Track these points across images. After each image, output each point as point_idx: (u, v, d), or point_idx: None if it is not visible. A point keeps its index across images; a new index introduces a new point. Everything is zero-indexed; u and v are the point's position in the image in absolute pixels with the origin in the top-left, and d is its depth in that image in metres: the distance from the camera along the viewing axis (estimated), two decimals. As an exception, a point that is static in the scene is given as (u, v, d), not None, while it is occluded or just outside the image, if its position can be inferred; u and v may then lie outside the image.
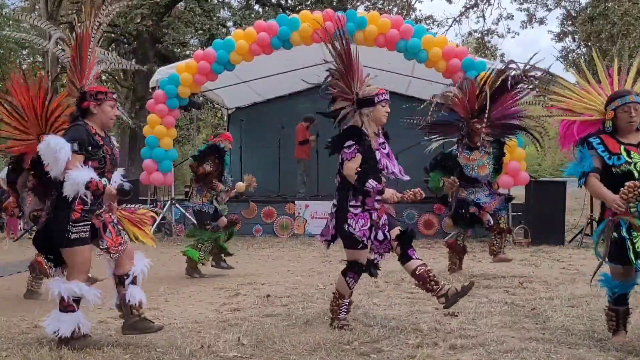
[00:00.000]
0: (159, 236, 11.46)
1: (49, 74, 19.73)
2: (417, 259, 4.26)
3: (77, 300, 3.84)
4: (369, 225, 4.23)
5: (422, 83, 11.71)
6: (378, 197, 4.24)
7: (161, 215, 11.64)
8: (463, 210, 6.53)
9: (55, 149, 3.67)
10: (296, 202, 11.78)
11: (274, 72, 12.35)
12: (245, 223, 11.64)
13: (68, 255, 3.81)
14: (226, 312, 4.97)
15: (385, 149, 4.35)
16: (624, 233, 3.67)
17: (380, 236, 4.27)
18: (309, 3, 18.87)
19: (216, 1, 20.04)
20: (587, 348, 3.71)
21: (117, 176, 4.09)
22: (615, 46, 17.17)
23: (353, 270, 4.33)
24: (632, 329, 4.11)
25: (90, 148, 3.79)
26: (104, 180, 3.85)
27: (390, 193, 4.23)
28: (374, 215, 4.27)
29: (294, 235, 11.35)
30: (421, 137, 6.95)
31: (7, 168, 12.97)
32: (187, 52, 19.69)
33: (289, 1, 20.04)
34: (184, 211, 11.05)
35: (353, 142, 4.21)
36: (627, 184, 3.63)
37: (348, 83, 4.34)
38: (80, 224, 3.76)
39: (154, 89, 11.61)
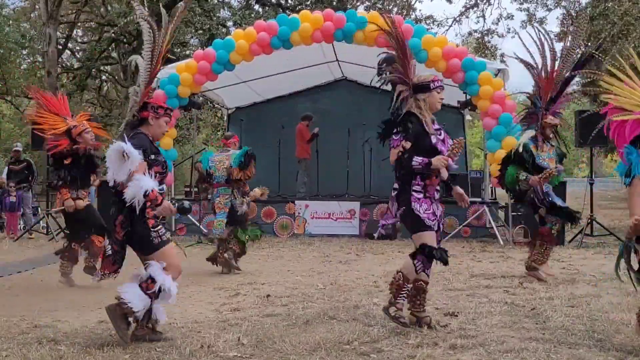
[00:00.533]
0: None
1: (50, 74, 19.77)
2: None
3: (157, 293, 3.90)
4: (431, 210, 4.25)
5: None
6: (429, 169, 4.19)
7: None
8: (544, 201, 6.45)
9: (126, 155, 3.79)
10: (296, 202, 11.78)
11: (274, 72, 12.35)
12: (245, 223, 11.65)
13: (160, 258, 3.94)
14: (226, 312, 4.97)
15: (440, 135, 4.34)
16: None
17: (438, 227, 4.32)
18: (309, 3, 18.88)
19: (216, 1, 20.05)
20: (587, 348, 3.71)
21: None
22: (615, 46, 17.17)
23: (422, 253, 4.22)
24: (632, 329, 4.11)
25: (152, 156, 3.97)
26: (162, 187, 4.05)
27: (437, 159, 4.18)
28: (434, 205, 4.29)
29: (294, 235, 11.36)
30: None
31: (7, 168, 12.90)
32: (187, 52, 19.70)
33: (289, 1, 20.06)
34: None
35: (401, 129, 4.26)
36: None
37: (405, 69, 4.37)
38: (157, 228, 3.97)
39: (154, 89, 11.59)
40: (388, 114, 4.43)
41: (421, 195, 4.25)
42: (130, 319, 3.90)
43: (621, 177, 3.73)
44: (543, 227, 6.57)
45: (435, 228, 4.28)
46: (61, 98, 6.64)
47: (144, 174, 3.85)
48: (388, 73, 4.41)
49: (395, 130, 4.29)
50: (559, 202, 6.55)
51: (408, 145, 4.21)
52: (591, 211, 10.90)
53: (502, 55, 25.65)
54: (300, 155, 12.75)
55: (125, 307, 3.83)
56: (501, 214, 11.93)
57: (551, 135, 6.50)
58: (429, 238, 4.22)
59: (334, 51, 12.41)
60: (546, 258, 6.51)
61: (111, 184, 3.94)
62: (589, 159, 12.09)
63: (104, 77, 27.99)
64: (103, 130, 6.94)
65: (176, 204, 4.10)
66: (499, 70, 11.04)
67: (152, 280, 3.87)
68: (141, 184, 3.79)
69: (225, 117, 15.78)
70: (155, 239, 3.92)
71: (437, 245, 4.26)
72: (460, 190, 4.42)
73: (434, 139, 4.28)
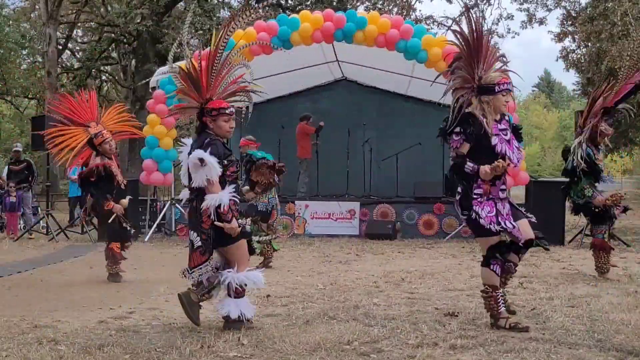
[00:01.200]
0: (159, 236, 11.47)
1: (50, 74, 19.78)
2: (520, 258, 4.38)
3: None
4: (494, 212, 4.19)
5: (422, 83, 11.73)
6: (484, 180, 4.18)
7: (161, 215, 11.65)
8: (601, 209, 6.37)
9: (207, 165, 4.09)
10: (296, 202, 11.78)
11: (274, 72, 12.36)
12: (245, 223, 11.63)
13: (233, 251, 4.27)
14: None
15: (506, 135, 4.29)
16: None
17: (509, 226, 4.21)
18: (309, 3, 18.88)
19: (216, 1, 20.05)
20: (587, 348, 3.71)
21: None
22: (615, 46, 17.17)
23: (493, 257, 4.22)
24: (632, 329, 4.11)
25: (224, 161, 4.19)
26: (232, 187, 4.23)
27: (483, 171, 4.13)
28: (499, 205, 4.24)
29: (294, 235, 11.36)
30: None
31: (7, 168, 12.91)
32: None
33: (289, 1, 20.05)
34: (183, 211, 11.04)
35: (460, 130, 4.22)
36: None
37: (471, 68, 4.33)
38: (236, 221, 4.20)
39: (154, 89, 11.61)
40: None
41: (483, 199, 4.21)
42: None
43: None
44: (595, 238, 6.59)
45: (506, 227, 4.18)
46: (90, 97, 6.72)
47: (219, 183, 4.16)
48: (455, 73, 4.39)
49: (455, 131, 4.23)
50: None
51: (464, 148, 4.21)
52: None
53: (502, 55, 25.64)
54: (302, 155, 12.75)
55: (239, 318, 4.21)
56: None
57: (602, 144, 6.42)
58: (493, 242, 4.21)
59: (334, 51, 12.41)
60: (607, 265, 6.50)
61: (193, 185, 4.22)
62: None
63: (104, 77, 28.01)
64: (134, 121, 7.18)
65: (240, 227, 4.26)
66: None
67: (236, 287, 4.23)
68: (216, 199, 4.09)
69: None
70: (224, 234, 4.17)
71: (519, 238, 4.21)
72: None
73: (495, 140, 4.21)
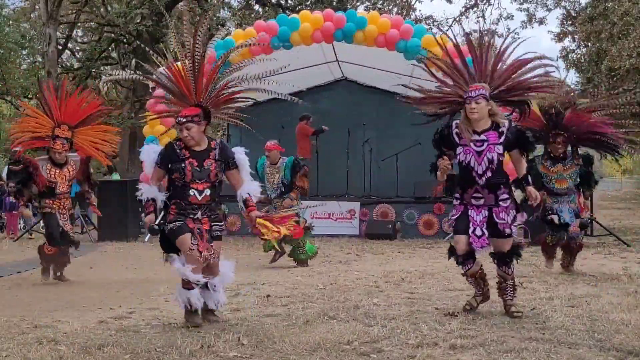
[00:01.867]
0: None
1: (50, 74, 19.75)
2: (504, 272, 4.63)
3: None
4: (458, 215, 4.52)
5: (422, 83, 11.71)
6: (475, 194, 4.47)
7: (161, 215, 11.63)
8: (547, 216, 6.64)
9: (146, 157, 4.59)
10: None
11: (273, 72, 12.35)
12: (245, 223, 11.63)
13: (179, 246, 4.41)
14: (226, 312, 4.97)
15: (480, 146, 4.41)
16: None
17: (479, 232, 4.45)
18: (309, 3, 18.86)
19: (216, 1, 20.05)
20: (587, 348, 3.71)
21: (247, 188, 4.65)
22: (615, 46, 17.16)
23: (450, 257, 4.69)
24: (632, 329, 4.11)
25: (170, 164, 4.41)
26: (191, 191, 4.39)
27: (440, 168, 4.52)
28: (471, 211, 4.46)
29: (294, 236, 11.33)
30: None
31: (7, 168, 12.98)
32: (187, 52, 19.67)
33: (289, 1, 20.04)
34: None
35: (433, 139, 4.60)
36: None
37: (457, 81, 4.61)
38: (174, 221, 4.40)
39: (153, 89, 11.60)
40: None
41: (457, 202, 4.59)
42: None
43: None
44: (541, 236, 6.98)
45: (468, 231, 4.46)
46: (83, 101, 6.81)
47: (157, 180, 4.50)
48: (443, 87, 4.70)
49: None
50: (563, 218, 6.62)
51: (445, 157, 4.49)
52: (591, 211, 10.89)
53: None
54: (302, 155, 12.73)
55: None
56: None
57: (563, 155, 6.52)
58: (456, 240, 4.56)
59: (334, 51, 12.41)
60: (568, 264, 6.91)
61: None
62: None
63: (103, 78, 27.97)
64: (113, 146, 7.19)
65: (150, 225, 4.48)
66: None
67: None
68: (143, 192, 4.49)
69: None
70: (167, 229, 4.42)
71: (468, 249, 4.51)
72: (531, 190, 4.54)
73: (459, 150, 4.44)
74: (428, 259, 8.32)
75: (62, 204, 6.73)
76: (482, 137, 4.42)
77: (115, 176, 16.59)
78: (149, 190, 4.47)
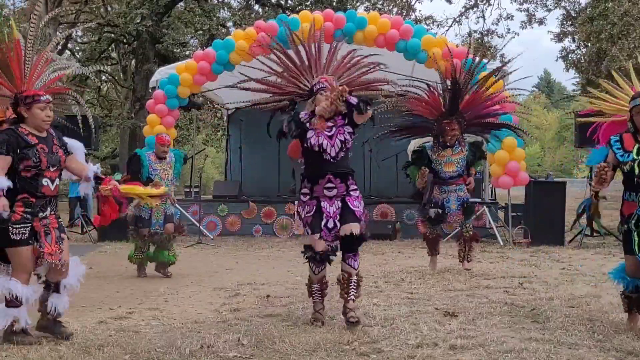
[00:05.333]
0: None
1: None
2: (350, 266, 4.40)
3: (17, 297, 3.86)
4: (313, 211, 4.40)
5: (422, 84, 11.71)
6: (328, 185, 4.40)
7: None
8: (426, 208, 6.82)
9: None
10: (296, 202, 11.75)
11: (273, 72, 12.34)
12: (245, 223, 11.65)
13: (11, 255, 3.90)
14: (226, 312, 4.97)
15: (330, 131, 4.43)
16: (632, 226, 4.03)
17: (330, 224, 4.39)
18: (308, 3, 18.86)
19: (216, 1, 20.05)
20: (587, 348, 3.71)
21: (92, 170, 4.23)
22: (615, 46, 17.16)
23: (307, 256, 4.48)
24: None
25: (19, 150, 3.86)
26: (45, 181, 3.93)
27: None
28: (323, 203, 4.39)
29: (294, 236, 11.34)
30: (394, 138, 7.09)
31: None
32: (187, 53, 19.70)
33: (289, 1, 20.03)
34: (183, 211, 11.04)
35: (282, 129, 4.58)
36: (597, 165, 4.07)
37: (301, 76, 4.70)
38: (19, 226, 3.84)
39: (153, 89, 11.62)
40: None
41: (307, 198, 4.47)
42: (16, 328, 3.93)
43: (588, 164, 4.35)
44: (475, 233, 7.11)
45: (324, 228, 4.38)
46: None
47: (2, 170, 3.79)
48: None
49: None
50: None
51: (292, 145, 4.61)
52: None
53: (502, 55, 25.65)
54: (293, 155, 12.74)
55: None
56: (501, 214, 11.94)
57: (453, 142, 6.68)
58: (311, 241, 4.40)
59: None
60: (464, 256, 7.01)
61: None
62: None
63: (103, 78, 27.99)
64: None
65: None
66: (497, 69, 11.01)
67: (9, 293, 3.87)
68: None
69: (225, 118, 15.78)
70: (11, 235, 3.81)
71: (327, 245, 4.39)
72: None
73: (310, 134, 4.43)
74: (428, 259, 8.31)
75: None
76: (330, 122, 4.45)
77: (117, 176, 16.59)
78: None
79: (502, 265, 7.59)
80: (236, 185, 13.01)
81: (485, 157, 7.21)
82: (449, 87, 6.59)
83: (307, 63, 4.69)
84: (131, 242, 6.78)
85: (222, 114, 17.90)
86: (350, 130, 4.45)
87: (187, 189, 14.88)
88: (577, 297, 5.30)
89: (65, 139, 4.23)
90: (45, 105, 3.99)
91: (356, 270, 4.42)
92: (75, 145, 4.30)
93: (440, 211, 6.72)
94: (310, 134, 4.43)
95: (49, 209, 3.99)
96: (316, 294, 4.52)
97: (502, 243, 10.09)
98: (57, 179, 4.06)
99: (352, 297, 4.38)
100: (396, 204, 11.70)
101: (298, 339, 3.92)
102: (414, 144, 7.12)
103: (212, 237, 11.12)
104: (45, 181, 3.94)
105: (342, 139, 4.42)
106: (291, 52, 4.81)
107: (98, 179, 4.19)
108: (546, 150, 54.97)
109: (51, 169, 3.97)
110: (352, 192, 4.46)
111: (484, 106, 6.77)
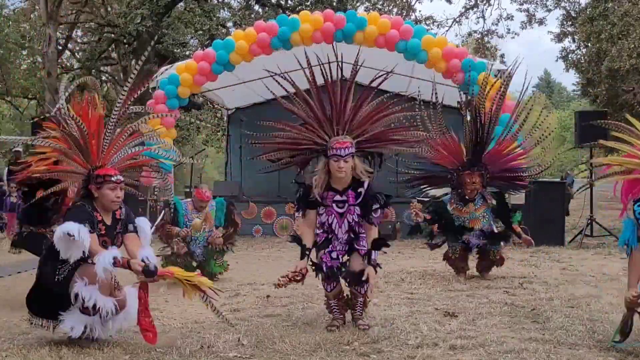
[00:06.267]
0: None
1: (50, 75, 19.75)
2: (357, 291, 4.32)
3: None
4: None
5: (422, 83, 11.71)
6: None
7: (161, 216, 11.63)
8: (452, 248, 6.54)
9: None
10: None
11: (273, 72, 12.35)
12: (245, 223, 11.63)
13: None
14: (226, 312, 4.96)
15: (342, 207, 4.23)
16: None
17: (334, 255, 4.35)
18: (309, 3, 18.86)
19: (216, 1, 20.05)
20: (587, 349, 3.71)
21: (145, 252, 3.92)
22: (615, 47, 17.17)
23: (317, 274, 4.47)
24: (632, 329, 4.10)
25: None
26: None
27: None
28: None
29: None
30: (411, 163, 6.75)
31: (7, 168, 12.88)
32: (187, 53, 19.70)
33: (289, 1, 20.04)
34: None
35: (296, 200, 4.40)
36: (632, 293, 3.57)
37: (321, 129, 4.35)
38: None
39: (154, 89, 11.61)
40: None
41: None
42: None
43: (621, 244, 3.82)
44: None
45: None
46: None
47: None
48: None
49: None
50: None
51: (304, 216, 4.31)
52: (591, 212, 10.90)
53: (502, 56, 25.67)
54: None
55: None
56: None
57: (474, 195, 6.31)
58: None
59: (334, 52, 12.39)
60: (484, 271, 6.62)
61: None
62: (588, 159, 12.08)
63: (104, 78, 27.99)
64: None
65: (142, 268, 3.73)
66: (499, 71, 11.02)
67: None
68: (103, 262, 3.65)
69: (225, 118, 15.78)
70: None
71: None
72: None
73: (321, 210, 4.25)
74: (428, 259, 8.32)
75: None
76: (344, 196, 4.21)
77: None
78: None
79: (502, 265, 7.58)
80: (236, 185, 13.01)
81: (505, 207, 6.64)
82: (471, 134, 6.19)
83: (329, 114, 4.31)
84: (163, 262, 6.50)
85: (222, 114, 17.88)
86: (359, 212, 4.26)
87: (188, 189, 14.88)
88: (577, 298, 5.29)
89: (137, 219, 4.15)
90: (115, 186, 3.92)
91: (362, 294, 4.31)
92: (143, 226, 4.17)
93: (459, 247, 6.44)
94: (322, 210, 4.25)
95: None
96: (335, 311, 4.40)
97: (502, 244, 10.05)
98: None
99: (359, 314, 4.35)
100: (396, 204, 11.68)
101: (298, 339, 3.92)
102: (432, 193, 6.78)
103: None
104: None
105: (350, 219, 4.26)
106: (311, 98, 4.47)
107: (148, 273, 3.72)
108: (546, 151, 54.91)
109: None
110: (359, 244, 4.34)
111: (509, 159, 6.35)
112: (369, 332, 4.14)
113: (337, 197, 4.23)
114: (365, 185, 4.24)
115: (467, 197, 6.29)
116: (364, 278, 4.16)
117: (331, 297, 4.41)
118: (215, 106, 18.37)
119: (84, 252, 3.68)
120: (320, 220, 4.29)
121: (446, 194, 6.59)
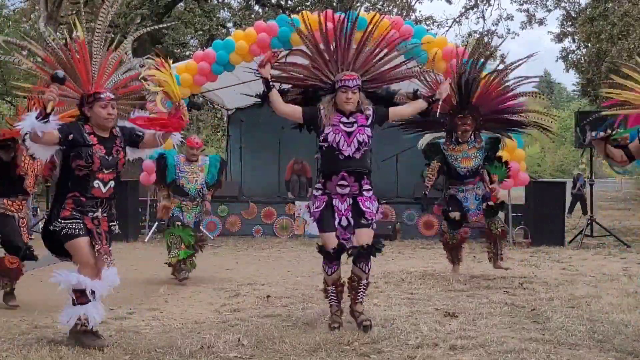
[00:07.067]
0: (159, 236, 11.46)
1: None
2: (362, 270, 4.34)
3: (83, 292, 3.86)
4: (322, 207, 4.32)
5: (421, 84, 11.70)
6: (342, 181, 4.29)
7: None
8: (449, 209, 6.50)
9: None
10: (296, 202, 11.77)
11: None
12: (245, 223, 11.64)
13: (71, 251, 3.93)
14: (226, 312, 4.97)
15: (351, 127, 4.30)
16: None
17: (344, 222, 4.33)
18: (309, 3, 18.88)
19: (216, 2, 20.06)
20: (587, 349, 3.71)
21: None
22: (615, 47, 17.16)
23: (322, 255, 4.38)
24: (632, 330, 4.11)
25: (74, 146, 3.86)
26: (96, 182, 3.92)
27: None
28: (335, 200, 4.32)
29: (294, 236, 11.34)
30: (408, 136, 6.87)
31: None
32: (187, 53, 19.70)
33: (289, 2, 20.05)
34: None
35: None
36: None
37: (326, 67, 4.54)
38: (70, 221, 3.87)
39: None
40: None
41: (319, 192, 4.38)
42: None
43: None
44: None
45: (338, 227, 4.32)
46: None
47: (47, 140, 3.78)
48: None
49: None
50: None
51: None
52: (591, 212, 10.90)
53: (502, 56, 25.64)
54: None
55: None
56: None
57: (467, 137, 6.36)
58: (324, 239, 4.32)
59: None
60: (495, 255, 6.61)
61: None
62: (589, 160, 12.09)
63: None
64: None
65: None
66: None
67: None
68: (28, 121, 3.70)
69: (225, 118, 15.78)
70: (62, 230, 3.87)
71: (340, 242, 4.30)
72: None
73: (327, 130, 4.30)
74: (428, 259, 8.33)
75: (21, 205, 5.40)
76: (351, 119, 4.32)
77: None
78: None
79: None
80: (236, 185, 13.00)
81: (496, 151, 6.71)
82: (456, 80, 6.26)
83: (334, 56, 4.50)
84: (165, 244, 6.48)
85: (222, 115, 17.88)
86: (370, 133, 4.34)
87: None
88: (577, 298, 5.29)
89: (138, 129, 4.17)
90: (106, 103, 3.95)
91: (366, 273, 4.35)
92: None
93: (459, 215, 6.42)
94: (328, 129, 4.30)
95: (100, 210, 3.97)
96: (332, 297, 4.40)
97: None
98: (112, 182, 4.01)
99: (361, 300, 4.36)
100: (396, 204, 11.69)
101: (298, 339, 3.92)
102: (424, 140, 6.81)
103: (212, 237, 11.10)
104: (96, 183, 3.92)
105: (361, 139, 4.29)
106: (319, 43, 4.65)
107: (56, 78, 3.73)
108: (546, 151, 54.96)
109: (104, 171, 3.94)
110: (364, 192, 4.37)
111: (500, 100, 6.37)
112: (371, 327, 4.14)
113: (344, 119, 4.32)
114: (371, 109, 4.38)
115: (460, 140, 6.38)
116: (366, 263, 4.27)
117: (330, 282, 4.41)
118: (216, 106, 18.36)
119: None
120: (324, 140, 4.31)
121: (441, 138, 6.68)
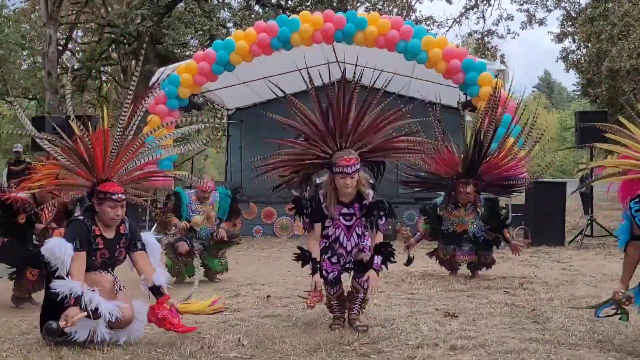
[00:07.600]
0: (159, 237, 11.46)
1: (50, 75, 19.77)
2: (359, 285, 4.26)
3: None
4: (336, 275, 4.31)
5: (422, 83, 11.73)
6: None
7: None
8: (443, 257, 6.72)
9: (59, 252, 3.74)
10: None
11: (273, 72, 12.36)
12: (245, 224, 11.64)
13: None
14: (226, 312, 4.96)
15: (349, 220, 4.22)
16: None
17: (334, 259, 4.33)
18: (309, 4, 18.88)
19: (216, 2, 20.06)
20: (587, 349, 3.71)
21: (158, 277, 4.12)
22: (615, 47, 17.17)
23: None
24: (632, 330, 4.11)
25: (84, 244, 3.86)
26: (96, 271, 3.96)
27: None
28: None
29: (294, 236, 11.35)
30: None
31: (7, 169, 12.87)
32: (187, 53, 19.71)
33: (289, 2, 20.05)
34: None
35: (303, 212, 4.32)
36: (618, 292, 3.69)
37: (324, 142, 4.32)
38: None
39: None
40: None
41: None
42: None
43: (617, 239, 3.84)
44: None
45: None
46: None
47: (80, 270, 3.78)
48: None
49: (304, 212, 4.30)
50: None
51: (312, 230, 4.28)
52: (591, 212, 10.90)
53: (502, 56, 25.67)
54: None
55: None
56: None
57: (466, 201, 6.41)
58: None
59: (334, 52, 12.41)
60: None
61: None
62: (589, 160, 12.08)
63: (104, 78, 28.02)
64: None
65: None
66: (499, 71, 11.03)
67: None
68: (69, 286, 3.70)
69: (225, 118, 15.78)
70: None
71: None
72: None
73: (328, 223, 4.24)
74: (428, 259, 8.31)
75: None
76: (351, 209, 4.22)
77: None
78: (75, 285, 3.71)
79: (503, 265, 7.58)
80: (236, 185, 13.01)
81: (505, 220, 6.69)
82: (470, 147, 6.26)
83: (332, 127, 4.26)
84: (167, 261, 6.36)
85: (222, 115, 17.89)
86: (364, 224, 4.24)
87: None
88: (578, 298, 5.29)
89: (144, 234, 4.18)
90: (115, 204, 3.92)
91: (364, 289, 4.23)
92: (152, 243, 4.20)
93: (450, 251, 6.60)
94: (328, 223, 4.24)
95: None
96: (336, 310, 4.39)
97: (502, 244, 10.05)
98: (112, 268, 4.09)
99: (356, 311, 4.32)
100: (396, 205, 11.68)
101: (298, 339, 3.92)
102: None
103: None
104: (97, 271, 3.97)
105: (360, 232, 4.25)
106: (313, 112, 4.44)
107: (157, 292, 4.01)
108: (546, 151, 54.91)
109: (100, 272, 3.99)
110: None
111: (504, 169, 6.38)
112: (368, 332, 4.13)
113: (345, 210, 4.24)
114: (370, 196, 4.23)
115: (459, 203, 6.45)
116: (364, 279, 4.16)
117: (333, 298, 4.40)
118: (216, 107, 18.36)
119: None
120: (324, 233, 4.27)
121: (436, 202, 6.75)
